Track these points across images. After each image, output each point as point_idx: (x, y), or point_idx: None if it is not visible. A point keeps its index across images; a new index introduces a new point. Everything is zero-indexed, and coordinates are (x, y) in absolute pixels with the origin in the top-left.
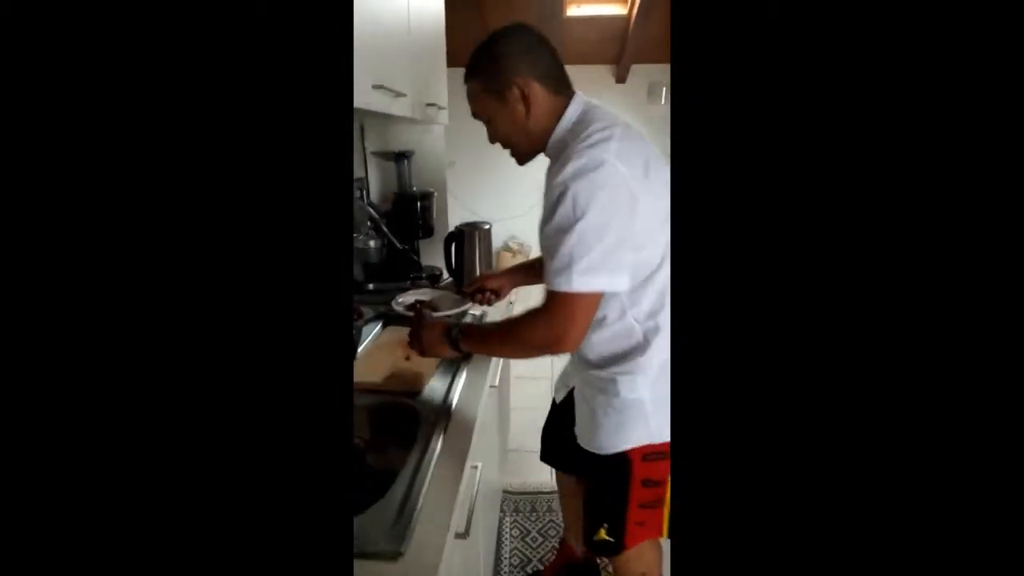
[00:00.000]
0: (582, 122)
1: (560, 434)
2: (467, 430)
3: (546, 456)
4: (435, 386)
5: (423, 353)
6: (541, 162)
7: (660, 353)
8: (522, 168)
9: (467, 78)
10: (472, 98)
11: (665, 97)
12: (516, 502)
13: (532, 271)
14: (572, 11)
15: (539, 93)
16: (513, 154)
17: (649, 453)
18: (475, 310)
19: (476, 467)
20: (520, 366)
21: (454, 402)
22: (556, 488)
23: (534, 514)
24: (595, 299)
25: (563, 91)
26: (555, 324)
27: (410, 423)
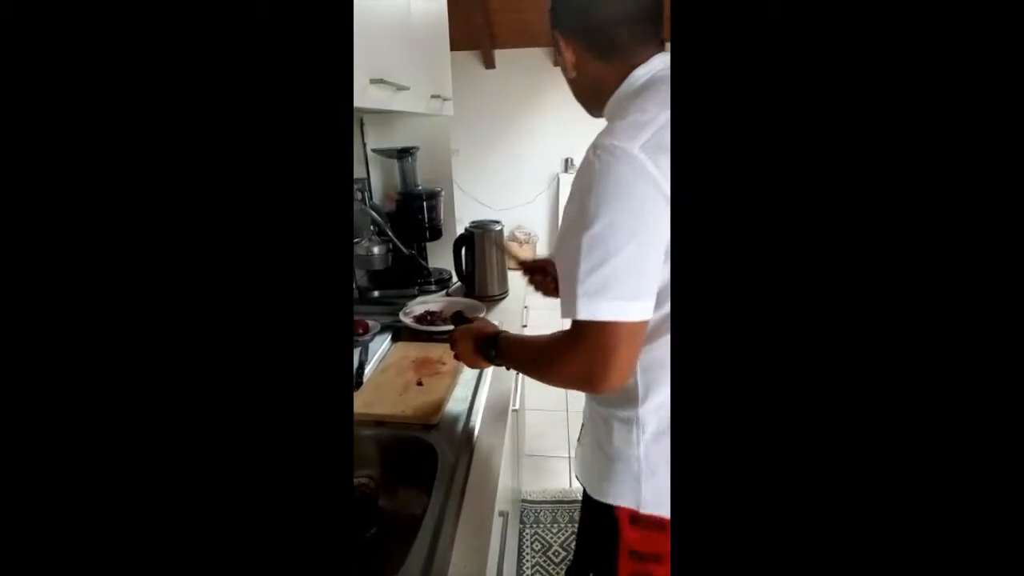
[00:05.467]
0: (639, 94)
1: None
2: (492, 469)
3: None
4: (452, 414)
5: (467, 364)
6: (544, 148)
7: (661, 409)
8: (527, 154)
9: None
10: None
11: None
12: (536, 512)
13: None
14: None
15: (576, 51)
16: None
17: (639, 517)
18: (494, 318)
19: (504, 514)
20: None
21: (474, 434)
22: (576, 497)
23: (555, 526)
24: (628, 327)
25: (616, 55)
26: (583, 359)
27: (427, 461)
